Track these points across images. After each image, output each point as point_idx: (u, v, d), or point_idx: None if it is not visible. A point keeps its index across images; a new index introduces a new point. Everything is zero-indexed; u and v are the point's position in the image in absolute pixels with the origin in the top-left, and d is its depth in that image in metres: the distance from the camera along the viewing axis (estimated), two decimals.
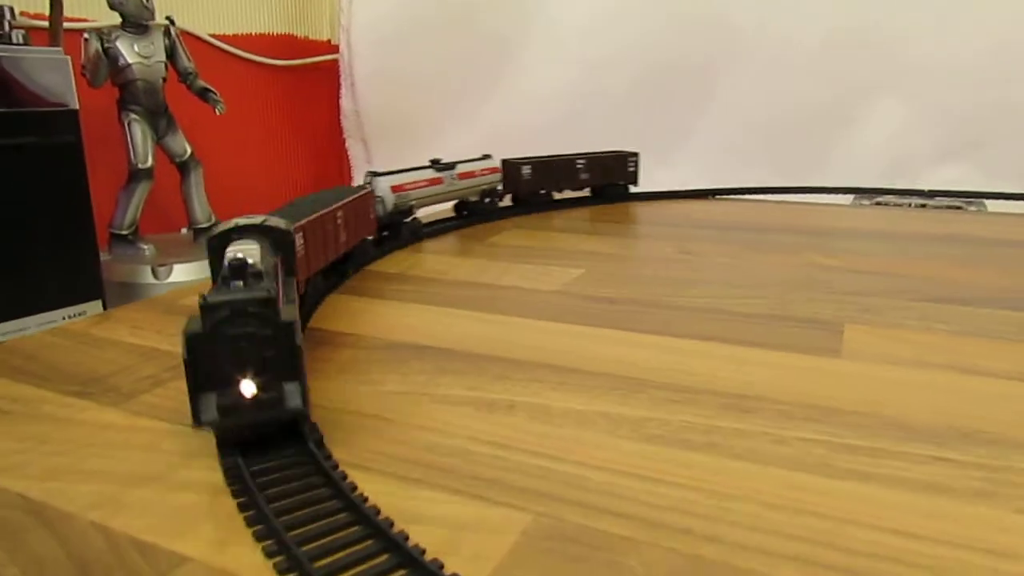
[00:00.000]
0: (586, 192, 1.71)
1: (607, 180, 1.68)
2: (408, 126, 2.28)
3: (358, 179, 2.39)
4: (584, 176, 1.62)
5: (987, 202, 1.68)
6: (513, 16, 2.15)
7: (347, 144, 2.34)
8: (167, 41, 1.46)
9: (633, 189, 1.75)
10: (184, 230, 1.65)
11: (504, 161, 1.52)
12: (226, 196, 1.71)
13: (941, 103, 1.80)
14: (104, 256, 1.35)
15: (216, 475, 0.50)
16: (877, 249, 1.22)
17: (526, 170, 1.54)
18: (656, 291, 0.96)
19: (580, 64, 2.11)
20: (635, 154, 1.72)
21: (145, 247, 1.47)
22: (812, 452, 0.53)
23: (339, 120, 2.31)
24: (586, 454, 0.53)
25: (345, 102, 2.25)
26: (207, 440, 0.53)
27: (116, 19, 1.41)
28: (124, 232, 1.47)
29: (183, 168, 1.55)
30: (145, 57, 1.42)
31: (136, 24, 1.41)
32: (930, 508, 0.46)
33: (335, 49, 2.28)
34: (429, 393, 0.64)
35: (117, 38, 1.39)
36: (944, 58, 1.79)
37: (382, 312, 0.89)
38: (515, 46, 2.17)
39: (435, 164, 1.32)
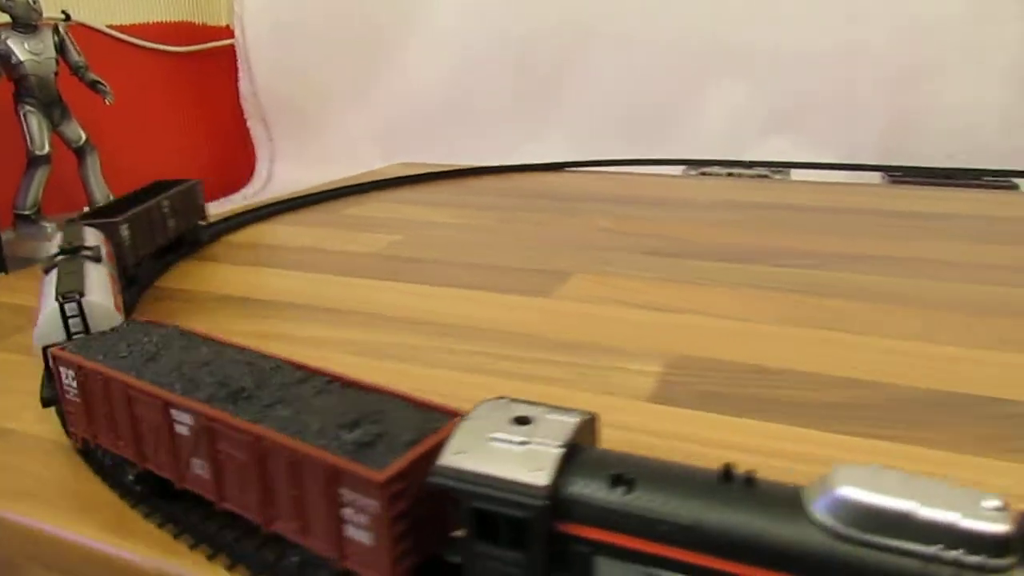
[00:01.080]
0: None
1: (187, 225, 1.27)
2: (305, 107, 2.46)
3: (262, 159, 2.57)
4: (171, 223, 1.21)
5: (794, 171, 1.95)
6: (398, 3, 2.34)
7: (249, 125, 2.51)
8: (56, 38, 1.63)
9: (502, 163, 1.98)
10: (86, 209, 1.83)
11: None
12: (136, 180, 1.88)
13: (768, 84, 2.06)
14: (8, 235, 1.53)
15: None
16: (660, 215, 1.47)
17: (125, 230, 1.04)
18: (451, 252, 1.20)
19: (460, 50, 2.31)
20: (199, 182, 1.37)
21: (48, 226, 1.65)
22: (473, 360, 0.78)
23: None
24: (319, 363, 0.76)
25: (243, 85, 2.43)
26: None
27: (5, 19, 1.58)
28: (27, 212, 1.64)
29: (79, 153, 1.72)
30: (36, 54, 1.59)
31: (25, 24, 1.57)
32: (531, 391, 0.71)
33: (233, 34, 2.44)
34: (227, 328, 0.86)
35: (7, 38, 1.56)
36: (771, 45, 2.04)
37: (219, 272, 1.11)
38: (401, 32, 2.36)
39: None
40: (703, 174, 1.98)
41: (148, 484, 0.56)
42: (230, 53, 2.45)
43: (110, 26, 2.12)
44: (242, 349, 0.59)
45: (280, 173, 2.50)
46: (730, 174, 1.94)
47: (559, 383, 0.72)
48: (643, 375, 0.74)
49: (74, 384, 0.58)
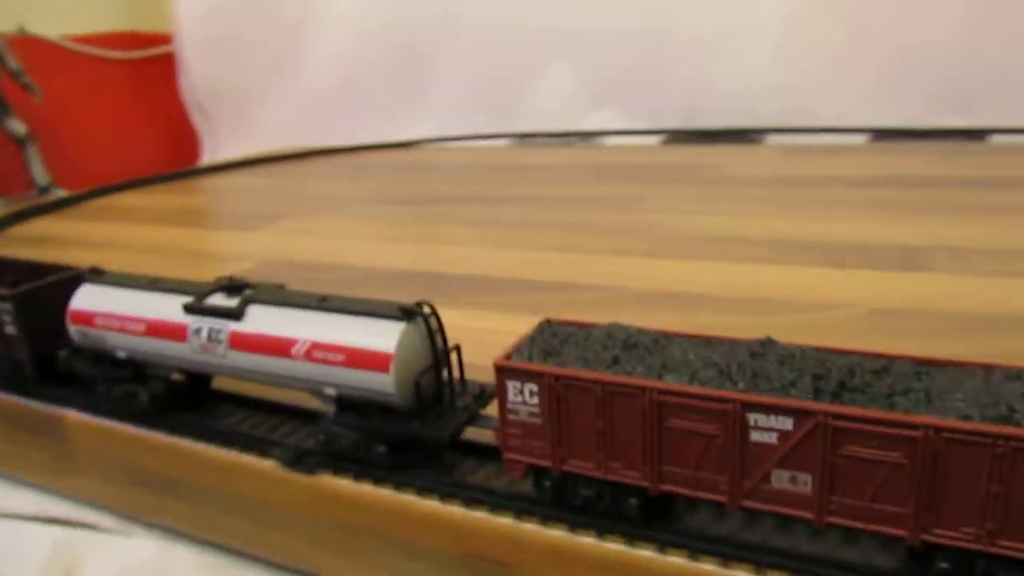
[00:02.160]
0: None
1: None
2: (237, 96, 2.90)
3: (208, 150, 3.01)
4: None
5: (612, 138, 2.30)
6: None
7: (192, 116, 2.97)
8: None
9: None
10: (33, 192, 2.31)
11: None
12: (92, 178, 2.32)
13: (596, 63, 2.41)
14: None
15: None
16: (454, 176, 1.86)
17: None
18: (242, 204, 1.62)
19: (354, 35, 2.71)
20: None
21: None
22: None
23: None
24: None
25: (183, 77, 2.88)
26: None
27: None
28: None
29: (21, 144, 2.20)
30: None
31: None
32: None
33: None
34: None
35: None
36: (597, 28, 2.39)
37: None
38: (313, 19, 2.77)
39: None
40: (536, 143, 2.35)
41: (645, 512, 0.52)
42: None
43: (66, 37, 2.59)
44: (693, 338, 0.54)
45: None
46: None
47: None
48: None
49: (531, 400, 0.52)
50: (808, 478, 0.46)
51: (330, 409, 0.63)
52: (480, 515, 0.57)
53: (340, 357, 0.59)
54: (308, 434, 0.68)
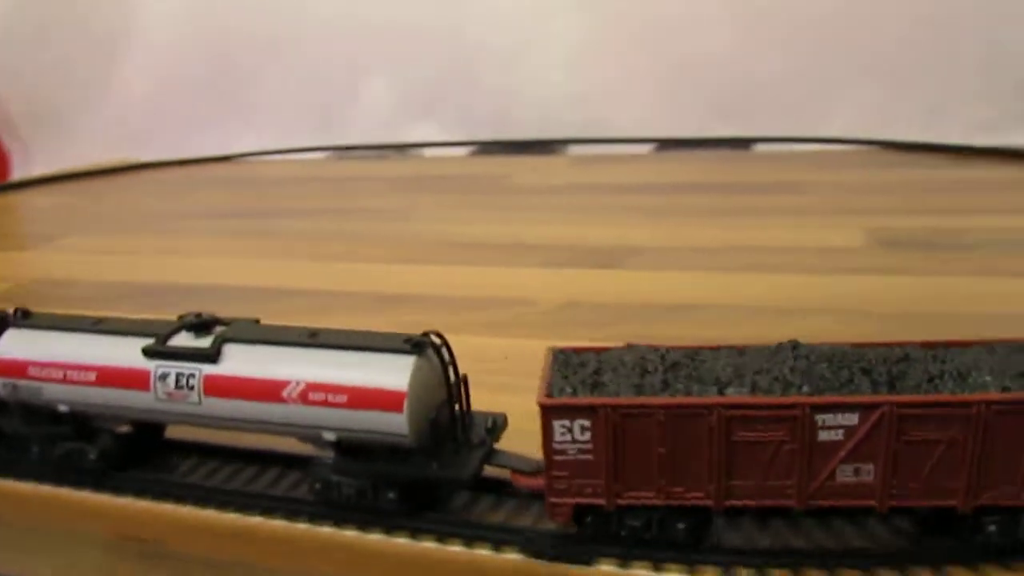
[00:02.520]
0: None
1: None
2: (49, 111, 2.80)
3: (20, 165, 2.88)
4: None
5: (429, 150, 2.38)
6: (118, 9, 2.68)
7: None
8: None
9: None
10: None
11: None
12: None
13: (412, 77, 2.48)
14: None
15: None
16: (267, 190, 1.88)
17: None
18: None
19: (171, 47, 2.66)
20: None
21: None
22: None
23: None
24: None
25: None
26: None
27: None
28: None
29: None
30: None
31: None
32: None
33: None
34: None
35: None
36: (412, 41, 2.46)
37: None
38: (126, 32, 2.70)
39: None
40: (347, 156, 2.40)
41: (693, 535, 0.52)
42: None
43: None
44: (719, 349, 0.54)
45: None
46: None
47: None
48: None
49: (581, 436, 0.50)
50: (871, 467, 0.48)
51: (323, 454, 0.57)
52: (512, 557, 0.53)
53: (342, 398, 0.53)
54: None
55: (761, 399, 0.49)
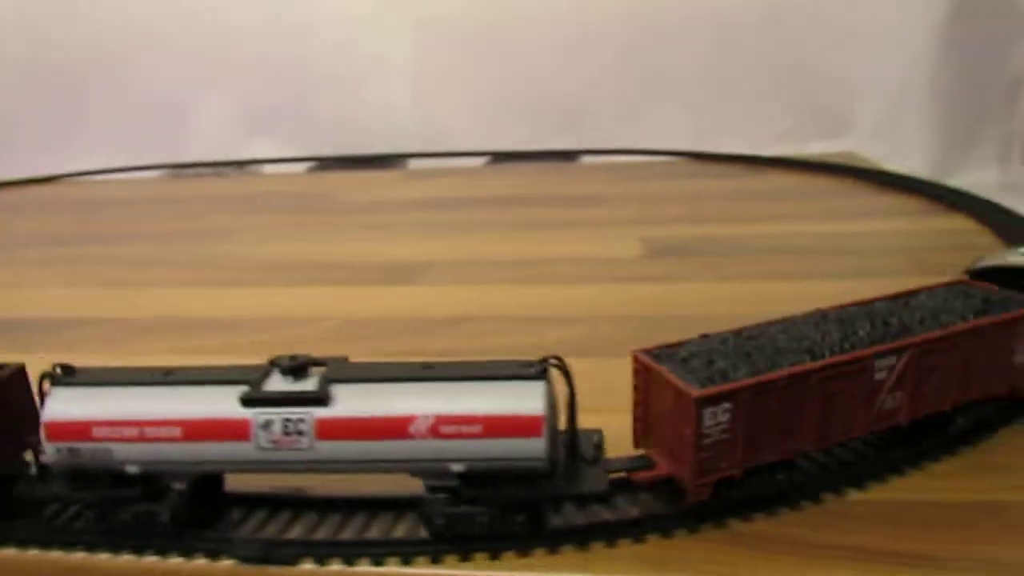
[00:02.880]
0: None
1: None
2: None
3: None
4: None
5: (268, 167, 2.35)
6: None
7: None
8: None
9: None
10: None
11: None
12: None
13: (250, 95, 2.44)
14: None
15: None
16: (90, 213, 1.80)
17: None
18: None
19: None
20: None
21: None
22: None
23: None
24: None
25: None
26: None
27: None
28: None
29: None
30: None
31: None
32: None
33: None
34: None
35: None
36: (251, 59, 2.43)
37: None
38: None
39: None
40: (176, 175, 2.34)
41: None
42: None
43: None
44: (770, 324, 0.65)
45: None
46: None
47: None
48: None
49: (722, 419, 0.56)
50: (900, 394, 0.62)
51: (432, 489, 0.56)
52: (226, 564, 0.55)
53: (476, 428, 0.53)
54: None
55: (845, 356, 0.60)
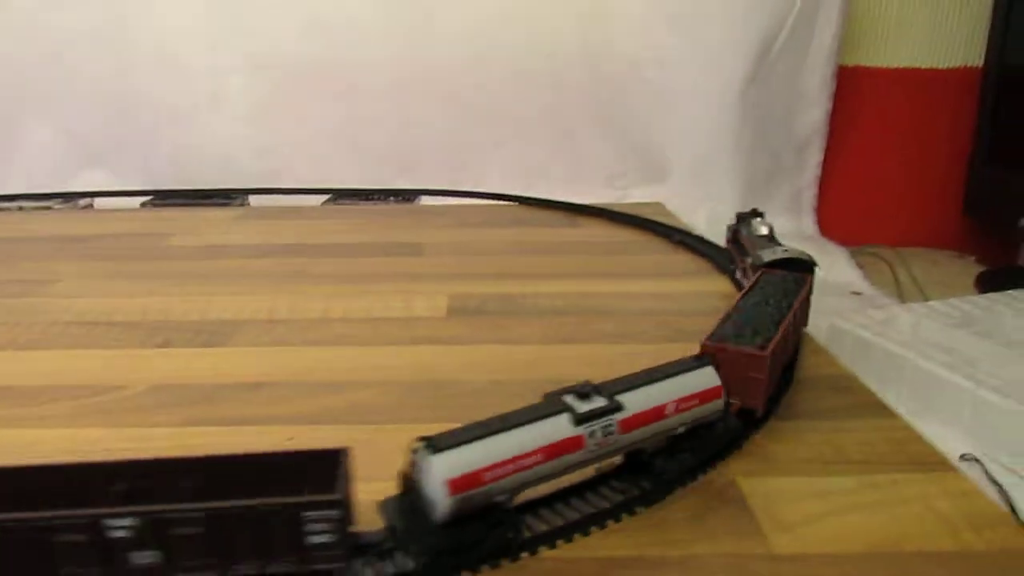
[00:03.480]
0: None
1: None
2: None
3: None
4: None
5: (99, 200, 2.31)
6: None
7: None
8: None
9: None
10: None
11: None
12: None
13: (77, 123, 2.39)
14: None
15: None
16: None
17: None
18: None
19: None
20: None
21: None
22: None
23: None
24: None
25: None
26: None
27: None
28: None
29: None
30: None
31: None
32: None
33: None
34: None
35: None
36: (79, 87, 2.37)
37: None
38: None
39: None
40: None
41: None
42: None
43: None
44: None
45: None
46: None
47: None
48: None
49: None
50: None
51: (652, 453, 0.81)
52: None
53: (696, 401, 0.80)
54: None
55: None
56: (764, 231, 1.33)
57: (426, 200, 2.26)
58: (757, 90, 2.26)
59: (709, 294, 1.38)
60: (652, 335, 1.20)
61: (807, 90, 2.29)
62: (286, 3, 2.31)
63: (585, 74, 2.32)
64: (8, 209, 2.25)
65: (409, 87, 2.35)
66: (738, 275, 1.38)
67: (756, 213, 1.40)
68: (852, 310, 1.67)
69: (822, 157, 2.36)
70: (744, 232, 1.36)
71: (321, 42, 2.30)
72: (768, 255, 1.20)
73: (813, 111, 2.31)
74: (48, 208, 2.25)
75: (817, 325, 1.29)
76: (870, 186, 2.38)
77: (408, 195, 2.27)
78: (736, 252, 1.40)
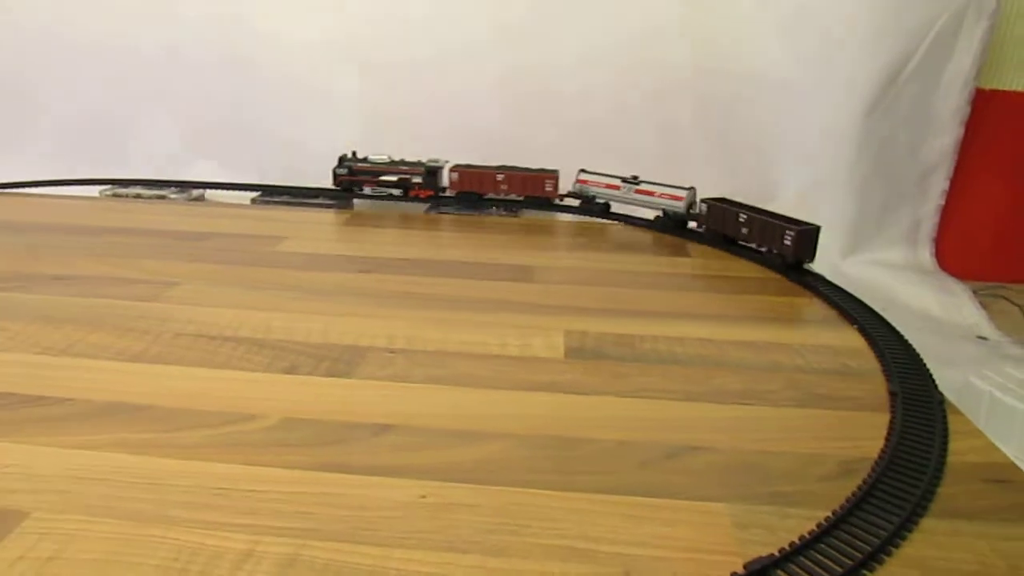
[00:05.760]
0: None
1: None
2: None
3: None
4: None
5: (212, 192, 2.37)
6: None
7: None
8: None
9: None
10: None
11: None
12: None
13: (193, 116, 2.45)
14: None
15: None
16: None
17: None
18: None
19: None
20: None
21: None
22: None
23: None
24: None
25: None
26: None
27: None
28: None
29: None
30: None
31: None
32: None
33: None
34: None
35: None
36: (195, 78, 2.43)
37: None
38: None
39: None
40: (116, 195, 2.34)
41: None
42: None
43: None
44: None
45: None
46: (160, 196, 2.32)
47: None
48: None
49: None
50: None
51: None
52: None
53: None
54: None
55: None
56: None
57: (526, 212, 2.24)
58: (880, 117, 2.15)
59: (838, 350, 1.32)
60: (780, 396, 1.15)
61: (937, 115, 2.18)
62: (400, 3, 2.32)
63: (697, 95, 2.26)
64: (126, 197, 2.33)
65: (518, 100, 2.34)
66: None
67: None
68: (981, 360, 1.57)
69: (947, 186, 2.24)
70: None
71: (433, 45, 2.30)
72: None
73: (942, 137, 2.19)
74: (163, 197, 2.33)
75: (945, 377, 1.22)
76: (997, 218, 2.26)
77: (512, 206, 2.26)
78: None
